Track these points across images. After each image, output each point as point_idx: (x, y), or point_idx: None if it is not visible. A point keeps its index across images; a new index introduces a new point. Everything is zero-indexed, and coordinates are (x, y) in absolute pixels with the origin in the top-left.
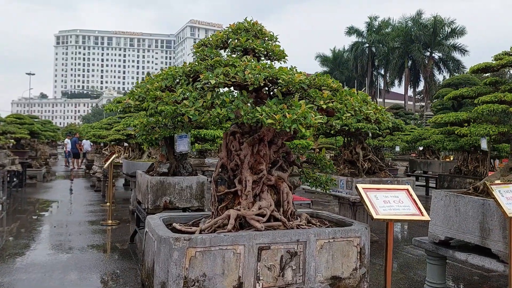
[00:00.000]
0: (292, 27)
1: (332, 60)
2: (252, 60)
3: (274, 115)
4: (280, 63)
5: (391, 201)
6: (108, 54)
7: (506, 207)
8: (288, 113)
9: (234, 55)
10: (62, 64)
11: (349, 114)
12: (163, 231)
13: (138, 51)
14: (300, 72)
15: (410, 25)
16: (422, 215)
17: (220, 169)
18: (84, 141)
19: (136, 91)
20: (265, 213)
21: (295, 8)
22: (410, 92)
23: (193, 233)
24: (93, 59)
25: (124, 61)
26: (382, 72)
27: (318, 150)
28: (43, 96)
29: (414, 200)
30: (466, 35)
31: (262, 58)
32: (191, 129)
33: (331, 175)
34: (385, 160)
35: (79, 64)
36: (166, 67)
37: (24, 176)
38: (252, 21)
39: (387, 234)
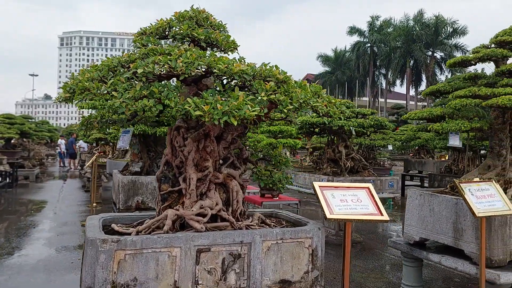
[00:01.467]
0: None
1: (334, 60)
2: (194, 49)
3: (203, 106)
4: (228, 54)
5: (349, 200)
6: (112, 55)
7: (475, 206)
8: (220, 105)
9: (180, 44)
10: (66, 65)
11: (291, 107)
12: (92, 232)
13: None
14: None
15: (411, 24)
16: (381, 215)
17: (165, 167)
18: (80, 141)
19: (68, 83)
20: (206, 213)
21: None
22: (412, 92)
23: (129, 234)
24: (97, 60)
25: None
26: (384, 71)
27: (311, 150)
28: (47, 97)
29: (374, 199)
30: (466, 35)
31: (215, 49)
32: (131, 125)
33: (286, 173)
34: (378, 160)
35: (83, 65)
36: None
37: (15, 176)
38: (198, 9)
39: (345, 234)
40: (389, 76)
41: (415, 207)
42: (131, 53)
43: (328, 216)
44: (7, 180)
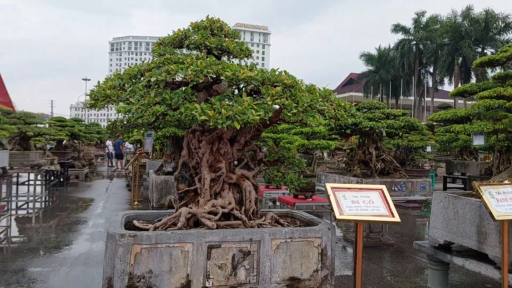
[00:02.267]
0: (335, 27)
1: (377, 58)
2: (205, 57)
3: (208, 111)
4: (245, 61)
5: (360, 202)
6: None
7: (494, 209)
8: (224, 110)
9: (195, 53)
10: (116, 69)
11: (296, 110)
12: (113, 227)
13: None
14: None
15: (459, 20)
16: (393, 216)
17: (182, 167)
18: (126, 142)
19: (94, 90)
20: (217, 211)
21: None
22: None
23: (155, 229)
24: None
25: None
26: (431, 70)
27: (348, 151)
28: None
29: (386, 200)
30: None
31: (231, 57)
32: (153, 128)
33: (298, 174)
34: (416, 161)
35: None
36: None
37: (65, 175)
38: (213, 19)
39: (356, 235)
40: (436, 75)
41: (439, 209)
42: (150, 62)
43: (338, 216)
44: (59, 179)
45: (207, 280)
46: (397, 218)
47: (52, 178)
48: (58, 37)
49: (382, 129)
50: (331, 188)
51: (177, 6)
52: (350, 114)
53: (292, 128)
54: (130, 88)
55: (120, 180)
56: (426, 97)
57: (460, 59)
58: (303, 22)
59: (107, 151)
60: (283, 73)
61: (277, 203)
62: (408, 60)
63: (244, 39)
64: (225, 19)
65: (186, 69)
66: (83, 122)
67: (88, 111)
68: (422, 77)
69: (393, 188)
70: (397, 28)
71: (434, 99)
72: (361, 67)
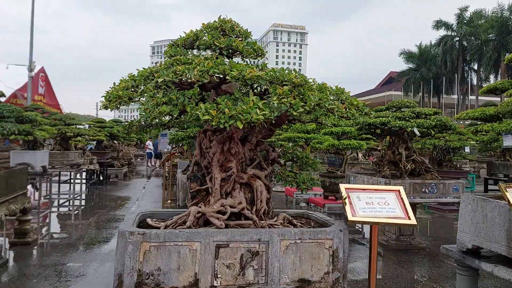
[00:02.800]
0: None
1: (418, 56)
2: (217, 57)
3: (211, 111)
4: (258, 60)
5: (375, 203)
6: None
7: None
8: (228, 109)
9: (210, 53)
10: None
11: (302, 110)
12: (125, 225)
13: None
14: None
15: (506, 15)
16: (409, 218)
17: (195, 167)
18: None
19: (108, 91)
20: (225, 210)
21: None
22: None
23: (166, 227)
24: None
25: None
26: (475, 67)
27: (383, 151)
28: None
29: (403, 202)
30: None
31: (242, 57)
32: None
33: (312, 174)
34: (454, 162)
35: None
36: None
37: (105, 174)
38: (224, 19)
39: (371, 237)
40: (480, 72)
41: (468, 212)
42: (162, 63)
43: (350, 218)
44: (99, 178)
45: (215, 279)
46: (413, 221)
47: (92, 177)
48: (103, 42)
49: (413, 128)
50: (345, 188)
51: (216, 8)
52: (363, 113)
53: (322, 128)
54: (142, 89)
55: (157, 179)
56: (470, 95)
57: (507, 55)
58: (341, 20)
59: (147, 151)
60: (292, 72)
61: (311, 204)
62: (451, 57)
63: (281, 39)
64: (262, 20)
65: (193, 70)
66: (122, 123)
67: (131, 112)
68: (465, 75)
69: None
70: (439, 24)
71: (479, 97)
72: (401, 65)
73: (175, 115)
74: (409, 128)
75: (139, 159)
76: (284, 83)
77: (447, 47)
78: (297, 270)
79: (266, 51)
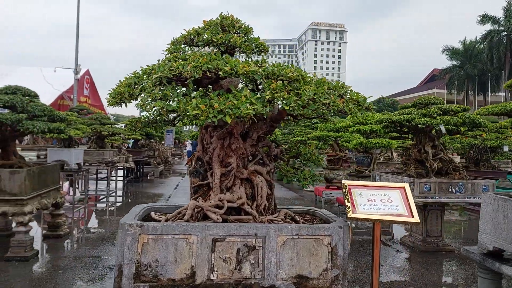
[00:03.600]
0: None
1: (462, 52)
2: (215, 53)
3: (200, 105)
4: (261, 56)
5: (378, 200)
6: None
7: None
8: (217, 104)
9: (205, 50)
10: None
11: (294, 104)
12: (126, 217)
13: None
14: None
15: None
16: (412, 216)
17: (198, 162)
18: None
19: (113, 89)
20: (222, 205)
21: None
22: None
23: (166, 221)
24: None
25: None
26: None
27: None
28: None
29: (407, 200)
30: None
31: (241, 52)
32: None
33: (313, 171)
34: (492, 162)
35: None
36: None
37: (141, 172)
38: (225, 16)
39: (373, 235)
40: None
41: (488, 212)
42: (162, 61)
43: (349, 215)
44: (135, 176)
45: (212, 273)
46: (416, 219)
47: (129, 175)
48: (146, 45)
49: (440, 126)
50: (348, 185)
51: (254, 8)
52: (362, 108)
53: (350, 126)
54: (142, 86)
55: None
56: None
57: None
58: (382, 17)
59: (187, 149)
60: (290, 67)
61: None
62: (498, 53)
63: (319, 38)
64: (301, 18)
65: (187, 66)
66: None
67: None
68: None
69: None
70: (485, 18)
71: None
72: (445, 62)
73: (169, 109)
74: (437, 126)
75: (176, 158)
76: (280, 78)
77: (494, 42)
78: (294, 266)
79: (305, 50)
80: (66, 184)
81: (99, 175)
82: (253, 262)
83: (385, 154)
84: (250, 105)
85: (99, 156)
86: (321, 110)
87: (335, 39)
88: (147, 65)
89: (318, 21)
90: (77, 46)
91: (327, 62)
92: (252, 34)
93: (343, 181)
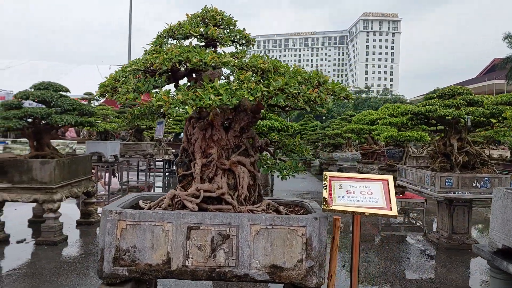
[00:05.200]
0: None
1: None
2: (194, 46)
3: (164, 97)
4: (250, 48)
5: (357, 192)
6: (285, 55)
7: None
8: (181, 95)
9: (185, 42)
10: None
11: (259, 94)
12: (111, 205)
13: (312, 50)
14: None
15: None
16: (391, 209)
17: (183, 153)
18: None
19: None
20: (198, 194)
21: None
22: None
23: (149, 209)
24: None
25: (299, 60)
26: None
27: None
28: None
29: (388, 192)
30: None
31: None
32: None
33: (296, 161)
34: None
35: None
36: (337, 63)
37: None
38: (208, 9)
39: (353, 228)
40: None
41: (498, 208)
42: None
43: (323, 207)
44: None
45: (187, 260)
46: (394, 212)
47: (169, 166)
48: None
49: (467, 117)
50: (329, 176)
51: (304, 2)
52: (339, 98)
53: (380, 118)
54: (123, 79)
55: None
56: None
57: None
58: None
59: None
60: (265, 58)
61: None
62: None
63: (371, 29)
64: (352, 9)
65: (158, 58)
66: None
67: None
68: None
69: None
70: None
71: None
72: (505, 51)
73: (139, 101)
74: (464, 117)
75: None
76: (252, 68)
77: None
78: (268, 256)
79: (356, 41)
80: (104, 174)
81: (141, 167)
82: (227, 251)
83: (428, 147)
84: (214, 96)
85: (137, 149)
86: (292, 100)
87: (388, 29)
88: (137, 59)
89: (370, 11)
90: (129, 44)
91: (380, 53)
92: (233, 26)
93: (325, 172)
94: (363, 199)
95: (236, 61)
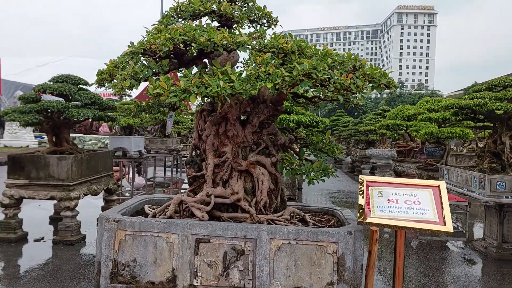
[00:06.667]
0: None
1: None
2: (203, 25)
3: (163, 84)
4: (272, 28)
5: (401, 201)
6: None
7: None
8: (182, 82)
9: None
10: None
11: (279, 80)
12: (110, 211)
13: (344, 44)
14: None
15: None
16: (444, 224)
17: (194, 151)
18: None
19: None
20: (209, 200)
21: None
22: None
23: (154, 216)
24: None
25: None
26: None
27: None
28: None
29: (440, 202)
30: None
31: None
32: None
33: (326, 163)
34: None
35: None
36: (370, 58)
37: None
38: None
39: (396, 244)
40: None
41: None
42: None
43: (359, 219)
44: None
45: (195, 278)
46: (448, 228)
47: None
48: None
49: None
50: (366, 181)
51: None
52: (378, 86)
53: (419, 113)
54: (123, 65)
55: None
56: None
57: None
58: None
59: None
60: (288, 37)
61: None
62: None
63: (406, 22)
64: (386, 2)
65: (159, 38)
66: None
67: None
68: None
69: None
70: None
71: None
72: None
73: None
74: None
75: None
76: (272, 50)
77: None
78: (292, 277)
79: (390, 35)
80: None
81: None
82: (242, 269)
83: (468, 145)
84: (225, 83)
85: (163, 144)
86: (320, 90)
87: (424, 22)
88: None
89: (404, 4)
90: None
91: (415, 47)
92: (254, 2)
93: (361, 176)
94: (408, 210)
95: (253, 42)
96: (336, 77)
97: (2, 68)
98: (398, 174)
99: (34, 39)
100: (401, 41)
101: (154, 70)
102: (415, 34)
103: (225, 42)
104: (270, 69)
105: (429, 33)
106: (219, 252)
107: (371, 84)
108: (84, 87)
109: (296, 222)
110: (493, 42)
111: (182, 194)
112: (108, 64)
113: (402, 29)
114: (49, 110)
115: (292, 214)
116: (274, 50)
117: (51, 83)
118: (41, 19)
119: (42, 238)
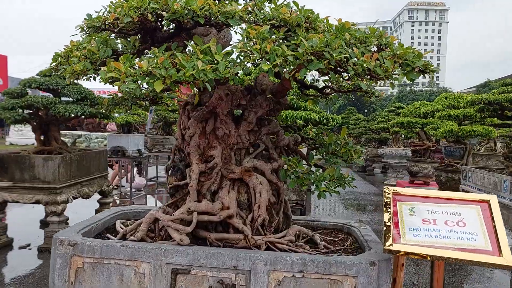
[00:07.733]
0: None
1: None
2: None
3: (120, 67)
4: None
5: (440, 222)
6: None
7: None
8: (145, 62)
9: None
10: None
11: (279, 60)
12: (69, 229)
13: None
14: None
15: None
16: (499, 254)
17: (178, 154)
18: None
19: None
20: (190, 219)
21: None
22: None
23: (123, 236)
24: None
25: None
26: None
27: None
28: None
29: (493, 223)
30: None
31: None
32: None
33: (340, 170)
34: None
35: None
36: None
37: None
38: None
39: (432, 279)
40: None
41: None
42: None
43: (386, 245)
44: None
45: None
46: (507, 260)
47: None
48: None
49: None
50: (393, 194)
51: None
52: (412, 70)
53: (437, 110)
54: (84, 45)
55: None
56: None
57: None
58: None
59: None
60: (292, 5)
61: None
62: None
63: (417, 18)
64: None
65: (120, 8)
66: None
67: None
68: None
69: None
70: None
71: None
72: None
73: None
74: None
75: None
76: (271, 22)
77: None
78: None
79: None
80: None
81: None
82: None
83: (486, 144)
84: (201, 63)
85: (165, 143)
86: (334, 76)
87: (435, 19)
88: None
89: (415, 0)
90: None
91: (425, 44)
92: None
93: (385, 187)
94: (451, 234)
95: (248, 15)
96: (356, 58)
97: (11, 66)
98: (413, 175)
99: (41, 36)
100: (412, 37)
101: (118, 50)
102: (426, 31)
103: (207, 11)
104: (268, 45)
105: (440, 30)
106: (202, 286)
107: (401, 69)
108: (75, 81)
109: (303, 245)
110: (506, 39)
111: (158, 209)
112: (68, 46)
113: (413, 25)
114: (33, 106)
115: (297, 234)
116: (274, 22)
117: (39, 77)
118: (51, 15)
119: (28, 245)
